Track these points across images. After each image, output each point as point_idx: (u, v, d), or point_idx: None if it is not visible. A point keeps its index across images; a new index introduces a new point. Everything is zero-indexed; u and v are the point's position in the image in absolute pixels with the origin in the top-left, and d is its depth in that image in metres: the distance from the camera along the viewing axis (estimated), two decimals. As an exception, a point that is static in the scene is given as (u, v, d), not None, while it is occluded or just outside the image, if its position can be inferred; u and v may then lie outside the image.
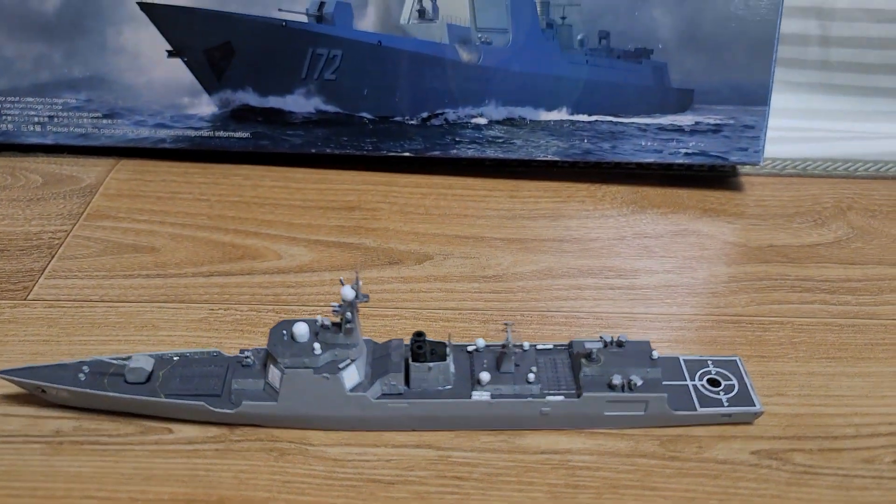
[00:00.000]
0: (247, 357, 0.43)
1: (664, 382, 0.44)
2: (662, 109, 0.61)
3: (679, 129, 0.61)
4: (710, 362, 0.46)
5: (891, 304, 0.53)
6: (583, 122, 0.61)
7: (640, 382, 0.43)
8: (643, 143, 0.61)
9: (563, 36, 0.59)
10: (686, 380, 0.45)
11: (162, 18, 0.60)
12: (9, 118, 0.63)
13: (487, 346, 0.44)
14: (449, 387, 0.43)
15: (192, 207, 0.59)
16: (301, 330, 0.42)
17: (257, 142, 0.62)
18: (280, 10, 0.60)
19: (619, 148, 0.61)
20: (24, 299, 0.51)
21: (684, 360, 0.46)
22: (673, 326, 0.51)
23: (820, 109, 0.71)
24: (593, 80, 0.60)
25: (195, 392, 0.43)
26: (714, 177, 0.64)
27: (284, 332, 0.42)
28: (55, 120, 0.63)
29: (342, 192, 0.62)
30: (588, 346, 0.44)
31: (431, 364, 0.42)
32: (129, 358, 0.43)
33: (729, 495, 0.40)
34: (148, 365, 0.43)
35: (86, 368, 0.43)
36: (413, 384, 0.43)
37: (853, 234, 0.59)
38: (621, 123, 0.61)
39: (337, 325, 0.42)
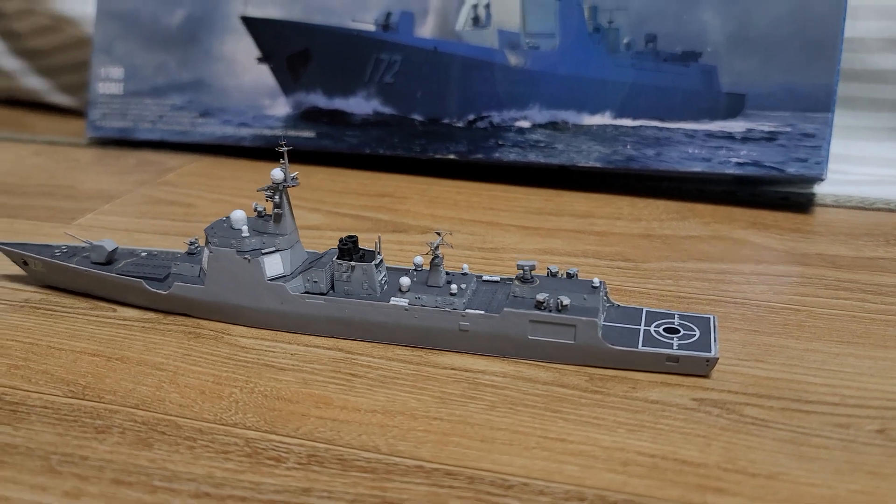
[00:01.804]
0: (193, 244, 0.45)
1: (612, 324, 0.39)
2: (711, 115, 0.56)
3: (729, 137, 0.56)
4: (677, 316, 0.40)
5: (953, 311, 0.43)
6: (627, 126, 0.58)
7: (567, 302, 0.38)
8: (690, 151, 0.56)
9: (609, 39, 0.58)
10: (640, 325, 0.39)
11: (257, 29, 0.68)
12: (129, 116, 0.73)
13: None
14: (372, 293, 0.41)
15: (242, 186, 0.64)
16: (237, 215, 0.43)
17: (320, 141, 0.66)
18: (353, 20, 0.65)
19: (664, 155, 0.57)
20: (68, 224, 0.57)
21: (647, 311, 0.41)
22: (666, 302, 0.45)
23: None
24: (638, 84, 0.58)
25: (141, 274, 0.44)
26: (784, 203, 0.58)
27: (225, 219, 0.43)
28: (163, 118, 0.72)
29: (382, 185, 0.63)
30: (528, 266, 0.40)
31: (355, 263, 0.41)
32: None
33: (642, 427, 0.34)
34: (109, 246, 0.45)
35: (63, 247, 0.47)
36: (337, 286, 0.42)
37: (934, 256, 0.49)
38: (667, 129, 0.57)
39: (269, 216, 0.42)
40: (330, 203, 0.60)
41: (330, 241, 0.52)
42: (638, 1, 0.58)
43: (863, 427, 0.34)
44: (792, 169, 0.54)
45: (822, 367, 0.38)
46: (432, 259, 0.41)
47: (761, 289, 0.46)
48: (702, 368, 0.37)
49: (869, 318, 0.42)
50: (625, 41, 0.58)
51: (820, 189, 0.60)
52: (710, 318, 0.40)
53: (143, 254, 0.47)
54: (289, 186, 0.42)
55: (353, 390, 0.37)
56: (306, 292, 0.42)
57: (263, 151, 0.69)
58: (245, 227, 0.42)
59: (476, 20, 0.62)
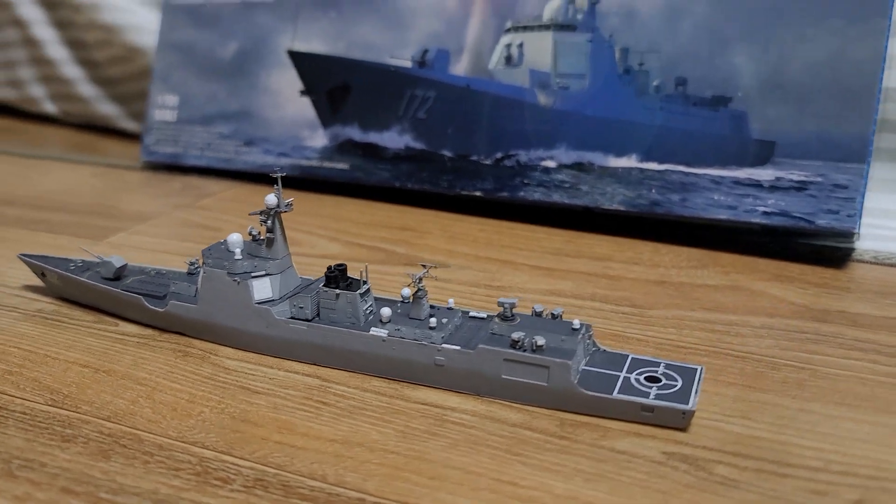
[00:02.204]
0: (192, 265, 0.46)
1: (592, 368, 0.38)
2: (739, 161, 0.54)
3: (757, 185, 0.53)
4: (663, 364, 0.38)
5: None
6: (652, 170, 0.56)
7: (542, 343, 0.37)
8: (716, 198, 0.54)
9: (639, 81, 0.57)
10: (621, 372, 0.38)
11: (302, 63, 0.70)
12: (180, 142, 0.76)
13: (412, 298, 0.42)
14: (355, 321, 0.41)
15: (274, 212, 0.65)
16: (234, 238, 0.43)
17: (353, 173, 0.67)
18: (391, 57, 0.66)
19: (689, 201, 0.55)
20: (101, 241, 0.59)
21: (632, 358, 0.39)
22: (664, 351, 0.43)
23: None
24: (666, 127, 0.56)
25: (143, 291, 0.46)
26: (817, 256, 0.55)
27: (223, 242, 0.44)
28: (210, 146, 0.74)
29: (407, 219, 0.63)
30: (508, 304, 0.39)
31: (339, 291, 0.41)
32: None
33: (601, 477, 0.32)
34: (118, 263, 0.47)
35: (79, 262, 0.49)
36: (322, 314, 0.42)
37: (972, 321, 0.46)
38: (693, 174, 0.55)
39: (263, 241, 0.43)
40: (352, 234, 0.61)
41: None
42: (670, 44, 0.57)
43: (840, 496, 0.31)
44: (822, 221, 0.52)
45: (813, 428, 0.36)
46: (415, 292, 0.40)
47: (767, 343, 0.43)
48: (678, 421, 0.35)
49: (877, 381, 0.39)
50: (655, 83, 0.57)
51: (860, 244, 0.56)
52: (697, 369, 0.38)
53: (153, 272, 0.49)
54: (282, 212, 0.42)
55: (319, 418, 0.37)
56: (292, 317, 0.42)
57: (298, 181, 0.70)
58: (239, 250, 0.43)
59: (509, 59, 0.62)
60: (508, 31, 0.63)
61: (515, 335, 0.37)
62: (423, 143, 0.65)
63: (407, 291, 0.42)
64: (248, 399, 0.39)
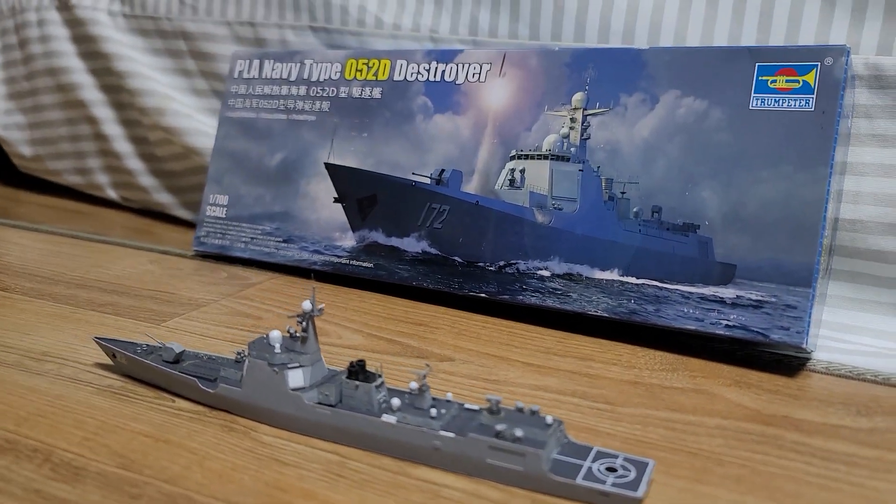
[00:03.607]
0: (239, 354, 0.55)
1: (559, 457, 0.46)
2: (705, 280, 0.63)
3: (721, 301, 0.62)
4: (621, 457, 0.47)
5: (888, 483, 0.47)
6: (631, 283, 0.65)
7: (520, 434, 0.45)
8: (685, 310, 0.63)
9: (621, 208, 0.67)
10: (585, 461, 0.46)
11: (337, 175, 0.81)
12: (228, 236, 0.87)
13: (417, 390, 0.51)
14: (371, 408, 0.50)
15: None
16: (274, 335, 0.53)
17: (376, 271, 0.77)
18: (413, 173, 0.77)
19: (662, 311, 0.64)
20: (158, 325, 0.69)
21: (596, 451, 0.47)
22: (628, 445, 0.51)
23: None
24: (644, 248, 0.65)
25: (197, 374, 0.55)
26: (777, 364, 0.63)
27: (266, 336, 0.53)
28: (254, 241, 0.85)
29: (421, 315, 0.73)
30: (495, 401, 0.48)
31: (358, 383, 0.50)
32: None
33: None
34: (177, 348, 0.57)
35: (144, 346, 0.59)
36: (344, 401, 0.50)
37: (896, 429, 0.53)
38: (666, 289, 0.64)
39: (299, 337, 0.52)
40: (373, 327, 0.70)
41: (359, 355, 0.62)
42: (647, 177, 0.66)
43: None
44: (776, 336, 0.60)
45: (738, 518, 0.43)
46: (420, 387, 0.49)
47: (717, 442, 0.51)
48: (627, 505, 0.43)
49: (805, 481, 0.47)
50: (634, 210, 0.67)
51: (816, 355, 0.64)
52: (648, 463, 0.46)
53: (205, 357, 0.58)
54: (314, 316, 0.52)
55: (335, 489, 0.46)
56: (319, 402, 0.51)
57: (330, 276, 0.80)
58: (278, 345, 0.52)
59: (512, 182, 0.72)
60: (513, 157, 0.73)
61: (499, 427, 0.46)
62: (437, 249, 0.75)
63: (414, 384, 0.51)
64: (279, 470, 0.47)
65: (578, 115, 0.70)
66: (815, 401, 0.58)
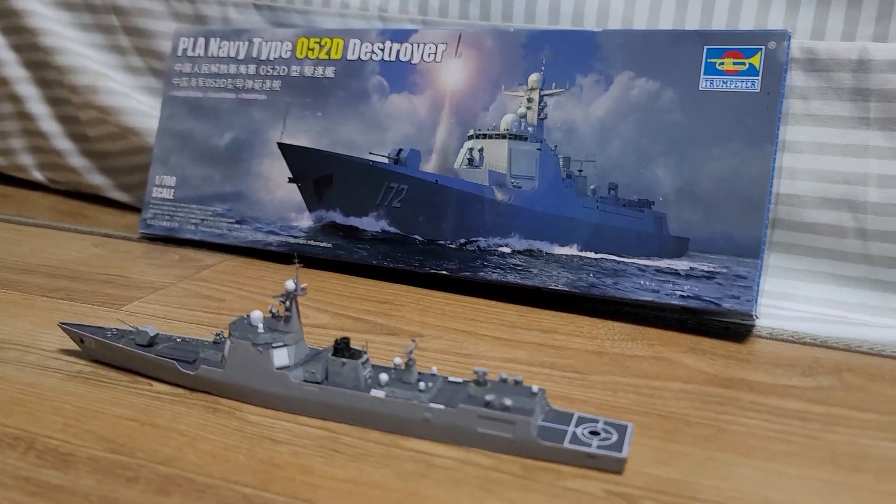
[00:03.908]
0: (218, 335, 0.55)
1: (545, 424, 0.48)
2: (661, 254, 0.67)
3: (675, 273, 0.66)
4: (601, 421, 0.49)
5: (837, 435, 0.51)
6: (590, 258, 0.68)
7: (509, 403, 0.47)
8: (642, 283, 0.66)
9: (579, 185, 0.69)
10: (569, 427, 0.48)
11: (290, 154, 0.80)
12: (176, 218, 0.85)
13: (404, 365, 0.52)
14: (358, 384, 0.51)
15: (267, 285, 0.75)
16: (255, 315, 0.53)
17: (335, 251, 0.77)
18: (370, 153, 0.77)
19: (620, 284, 0.67)
20: (117, 309, 0.68)
21: (577, 416, 0.50)
22: (602, 410, 0.54)
23: (863, 304, 0.71)
24: (601, 224, 0.68)
25: (174, 356, 0.55)
26: (725, 332, 0.67)
27: (246, 316, 0.54)
28: (205, 222, 0.84)
29: (384, 293, 0.74)
30: (482, 372, 0.50)
31: (345, 360, 0.51)
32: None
33: (554, 508, 0.43)
34: (151, 332, 0.56)
35: (114, 330, 0.58)
36: (330, 378, 0.51)
37: (839, 386, 0.58)
38: (623, 263, 0.67)
39: (281, 317, 0.53)
40: (338, 306, 0.71)
41: (332, 339, 0.62)
42: (603, 156, 0.69)
43: (729, 521, 0.42)
44: (727, 304, 0.64)
45: (715, 472, 0.47)
46: (407, 361, 0.51)
47: (683, 404, 0.55)
48: (614, 466, 0.46)
49: (766, 436, 0.51)
50: (591, 187, 0.69)
51: (760, 322, 0.69)
52: (627, 426, 0.49)
53: (179, 339, 0.58)
54: (298, 295, 0.52)
55: (332, 463, 0.47)
56: (305, 381, 0.52)
57: (287, 256, 0.80)
58: (261, 325, 0.52)
59: (471, 161, 0.74)
60: (471, 137, 0.75)
61: (488, 397, 0.48)
62: (397, 228, 0.76)
63: (398, 360, 0.52)
64: (272, 447, 0.48)
65: (535, 96, 0.72)
66: (764, 364, 0.62)
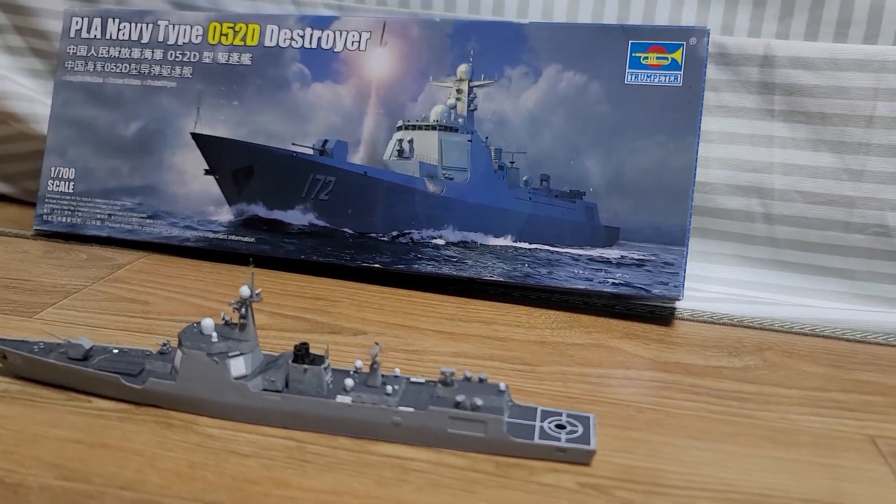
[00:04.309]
0: (164, 346, 0.52)
1: (514, 420, 0.49)
2: (593, 243, 0.69)
3: (607, 262, 0.68)
4: (564, 414, 0.51)
5: (771, 412, 0.55)
6: (524, 248, 0.70)
7: (480, 403, 0.48)
8: (576, 272, 0.69)
9: (511, 177, 0.70)
10: (536, 422, 0.50)
11: (205, 145, 0.77)
12: (79, 214, 0.80)
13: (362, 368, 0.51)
14: (321, 391, 0.50)
15: (191, 284, 0.71)
16: (207, 323, 0.51)
17: (259, 246, 0.75)
18: (293, 143, 0.75)
19: (554, 274, 0.69)
20: (30, 318, 0.63)
21: (541, 410, 0.51)
22: (557, 401, 0.55)
23: (770, 283, 0.76)
24: (534, 215, 0.70)
25: (116, 370, 0.52)
26: (651, 316, 0.71)
27: (195, 325, 0.51)
28: (112, 217, 0.79)
29: (316, 289, 0.72)
30: (449, 373, 0.50)
31: (307, 366, 0.50)
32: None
33: (536, 505, 0.44)
34: (87, 344, 0.53)
35: (41, 344, 0.54)
36: (291, 385, 0.50)
37: (763, 365, 0.62)
38: (557, 252, 0.69)
39: (235, 325, 0.51)
40: (272, 304, 0.68)
41: (275, 340, 0.61)
42: (535, 148, 0.70)
43: (697, 504, 0.45)
44: (656, 290, 0.67)
45: (673, 457, 0.49)
46: (371, 364, 0.50)
47: (631, 391, 0.57)
48: (584, 458, 0.48)
49: (710, 418, 0.54)
50: (524, 179, 0.71)
51: (680, 304, 0.73)
52: (589, 417, 0.51)
53: (115, 350, 0.54)
54: (253, 301, 0.50)
55: (306, 474, 0.46)
56: (264, 389, 0.50)
57: (206, 252, 0.77)
58: (214, 333, 0.50)
59: (401, 152, 0.73)
60: (400, 128, 0.74)
61: (458, 398, 0.48)
62: (325, 221, 0.74)
63: (359, 363, 0.51)
64: (240, 462, 0.46)
65: (464, 87, 0.72)
66: (694, 346, 0.66)
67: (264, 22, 0.77)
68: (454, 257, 0.71)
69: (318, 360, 0.51)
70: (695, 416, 0.54)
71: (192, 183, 0.77)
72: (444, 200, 0.72)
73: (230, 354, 0.50)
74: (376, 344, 0.51)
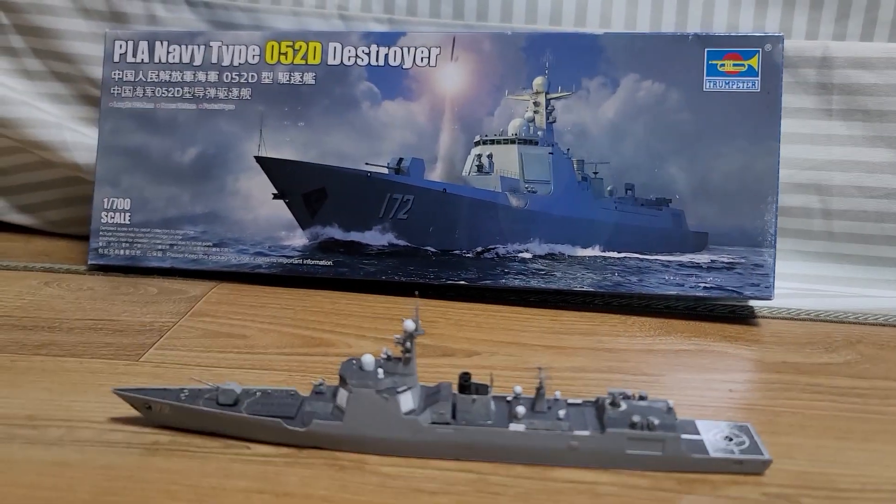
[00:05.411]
0: (321, 385, 0.51)
1: (686, 437, 0.50)
2: (682, 249, 0.71)
3: (697, 266, 0.70)
4: (723, 425, 0.52)
5: (893, 406, 0.58)
6: (613, 258, 0.71)
7: (657, 422, 0.49)
8: (666, 278, 0.70)
9: (595, 187, 0.72)
10: (701, 435, 0.51)
11: (272, 168, 0.75)
12: (138, 245, 0.77)
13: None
14: (489, 420, 0.50)
15: (280, 312, 0.70)
16: (368, 360, 0.50)
17: (337, 269, 0.74)
18: (367, 163, 0.74)
19: (645, 281, 0.70)
20: (137, 361, 0.60)
21: (699, 423, 0.52)
22: (691, 410, 0.56)
23: (827, 276, 0.80)
24: (621, 224, 0.71)
25: (273, 413, 0.50)
26: (733, 315, 0.72)
27: (354, 362, 0.50)
28: (174, 248, 0.76)
29: (402, 310, 0.71)
30: (618, 393, 0.50)
31: (475, 396, 0.50)
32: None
33: (737, 518, 0.45)
34: (237, 389, 0.51)
35: (186, 391, 0.52)
36: (458, 415, 0.50)
37: (862, 359, 0.65)
38: (647, 260, 0.71)
39: (397, 359, 0.50)
40: (370, 329, 0.67)
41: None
42: (617, 158, 0.72)
43: (889, 508, 0.47)
44: (748, 292, 0.69)
45: (835, 460, 0.51)
46: (538, 389, 0.50)
47: (758, 395, 0.59)
48: (760, 468, 0.49)
49: (845, 417, 0.56)
50: (608, 188, 0.72)
51: (754, 301, 0.75)
52: (747, 426, 0.52)
53: (257, 392, 0.53)
54: (418, 335, 0.50)
55: (503, 507, 0.46)
56: (433, 423, 0.50)
57: (279, 278, 0.75)
58: (380, 370, 0.49)
59: (480, 167, 0.73)
60: (477, 143, 0.74)
61: (635, 418, 0.49)
62: (405, 241, 0.74)
63: (519, 388, 0.52)
64: (431, 500, 0.46)
65: (542, 99, 0.72)
66: (790, 344, 0.68)
67: (326, 39, 0.76)
68: (542, 270, 0.72)
69: (482, 388, 0.51)
70: (830, 416, 0.56)
71: (260, 208, 0.75)
72: (528, 214, 0.72)
73: (398, 390, 0.49)
74: (539, 369, 0.51)
